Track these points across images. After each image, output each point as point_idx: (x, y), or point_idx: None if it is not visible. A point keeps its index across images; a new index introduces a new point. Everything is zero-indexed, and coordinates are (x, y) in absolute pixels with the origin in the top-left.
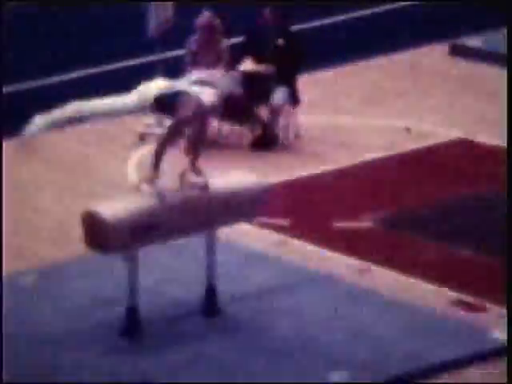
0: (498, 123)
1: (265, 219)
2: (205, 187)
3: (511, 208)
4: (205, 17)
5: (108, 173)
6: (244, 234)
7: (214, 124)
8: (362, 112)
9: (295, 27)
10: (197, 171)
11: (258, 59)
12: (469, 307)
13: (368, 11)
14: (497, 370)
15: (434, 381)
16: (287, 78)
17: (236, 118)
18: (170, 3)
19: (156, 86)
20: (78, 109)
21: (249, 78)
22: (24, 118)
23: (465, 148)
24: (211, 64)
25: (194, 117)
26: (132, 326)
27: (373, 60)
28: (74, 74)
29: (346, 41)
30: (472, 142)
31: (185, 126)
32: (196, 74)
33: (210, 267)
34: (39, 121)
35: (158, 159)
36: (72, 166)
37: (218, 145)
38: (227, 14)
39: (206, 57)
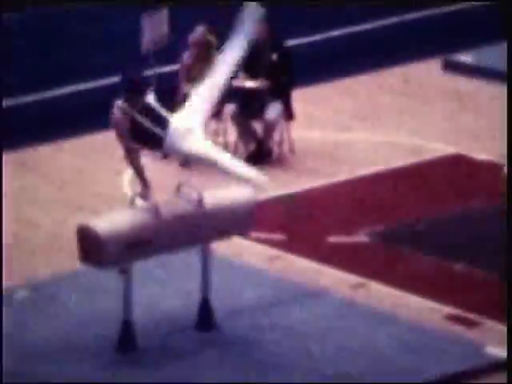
0: (491, 138)
1: (260, 234)
2: (199, 201)
3: (510, 221)
4: (198, 32)
5: (102, 186)
6: (239, 249)
7: (209, 139)
8: (356, 127)
9: (289, 42)
10: (190, 185)
11: (253, 74)
12: (464, 322)
13: (362, 26)
14: None
15: None
16: (281, 93)
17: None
18: (165, 19)
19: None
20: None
21: (243, 94)
22: (19, 132)
23: (459, 163)
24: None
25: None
26: (127, 341)
27: (367, 75)
28: (69, 89)
29: (339, 56)
30: (466, 157)
31: (124, 136)
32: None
33: (205, 282)
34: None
35: (139, 174)
36: (65, 179)
37: None
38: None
39: (199, 72)
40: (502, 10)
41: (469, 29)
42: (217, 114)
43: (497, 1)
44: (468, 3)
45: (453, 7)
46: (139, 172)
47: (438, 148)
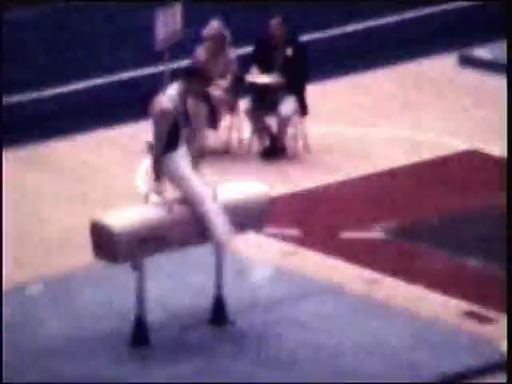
0: (506, 134)
1: (274, 229)
2: (213, 197)
3: (510, 218)
4: (213, 27)
5: (116, 182)
6: (253, 245)
7: (224, 134)
8: (371, 123)
9: (304, 37)
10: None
11: (267, 69)
12: (479, 319)
13: (377, 21)
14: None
15: None
16: (296, 89)
17: None
18: (179, 14)
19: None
20: None
21: (257, 89)
22: (24, 128)
23: (474, 159)
24: (219, 74)
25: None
26: (140, 336)
27: (381, 70)
28: (78, 85)
29: (354, 51)
30: (481, 153)
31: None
32: None
33: (219, 277)
34: None
35: (156, 168)
36: (79, 175)
37: (227, 155)
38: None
39: (214, 67)
40: (502, 9)
41: (484, 24)
42: (231, 109)
43: None
44: None
45: (469, 1)
46: (156, 165)
47: (454, 144)
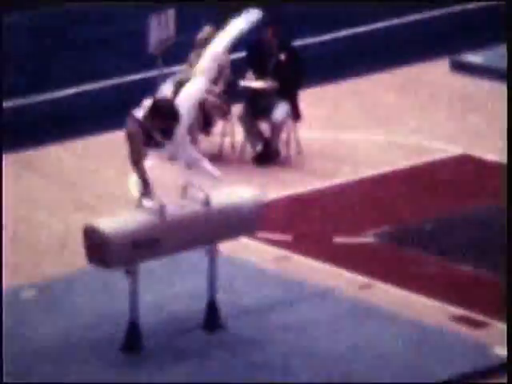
0: (498, 139)
1: (266, 234)
2: (206, 202)
3: (510, 221)
4: (206, 32)
5: (108, 187)
6: (245, 249)
7: (217, 139)
8: (363, 127)
9: (297, 42)
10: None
11: (260, 74)
12: (470, 323)
13: (369, 26)
14: None
15: None
16: (289, 94)
17: None
18: (172, 20)
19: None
20: None
21: (250, 94)
22: (19, 133)
23: (465, 163)
24: (212, 79)
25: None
26: (133, 341)
27: (374, 76)
28: (75, 90)
29: (346, 56)
30: (472, 157)
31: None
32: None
33: (211, 282)
34: None
35: (142, 175)
36: (71, 180)
37: (220, 160)
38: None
39: None
40: (503, 11)
41: (477, 29)
42: (224, 114)
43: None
44: (476, 3)
45: (461, 7)
46: (142, 173)
47: (446, 148)
